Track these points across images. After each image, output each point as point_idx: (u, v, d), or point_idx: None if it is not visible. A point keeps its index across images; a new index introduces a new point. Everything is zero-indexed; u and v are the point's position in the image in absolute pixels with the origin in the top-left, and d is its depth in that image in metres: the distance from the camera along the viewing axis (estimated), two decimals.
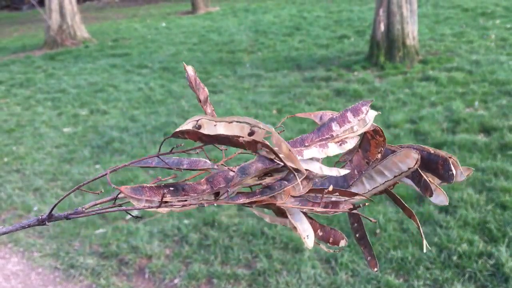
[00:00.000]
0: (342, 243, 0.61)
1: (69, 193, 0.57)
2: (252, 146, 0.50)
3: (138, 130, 4.19)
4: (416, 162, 0.57)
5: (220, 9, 11.70)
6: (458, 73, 4.80)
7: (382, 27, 5.35)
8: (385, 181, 0.58)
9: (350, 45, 6.50)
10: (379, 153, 0.59)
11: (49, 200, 3.19)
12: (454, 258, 2.26)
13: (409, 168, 0.57)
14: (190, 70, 0.59)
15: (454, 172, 0.57)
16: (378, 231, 2.51)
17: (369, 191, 0.58)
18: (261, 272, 2.33)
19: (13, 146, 4.22)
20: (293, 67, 5.79)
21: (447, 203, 0.58)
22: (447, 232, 2.43)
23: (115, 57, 7.46)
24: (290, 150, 0.51)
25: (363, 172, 0.59)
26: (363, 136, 0.59)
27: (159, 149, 0.57)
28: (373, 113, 0.57)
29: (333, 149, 0.54)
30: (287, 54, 6.41)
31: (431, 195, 0.57)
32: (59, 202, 0.59)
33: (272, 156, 0.52)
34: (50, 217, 0.58)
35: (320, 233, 0.62)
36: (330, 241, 0.61)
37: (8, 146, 4.22)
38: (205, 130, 0.50)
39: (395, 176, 0.58)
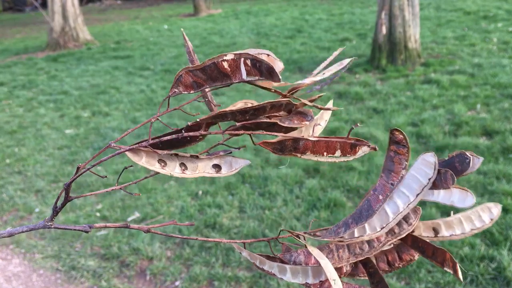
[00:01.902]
0: None
1: (73, 178, 0.57)
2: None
3: (140, 132, 4.19)
4: (434, 168, 0.50)
5: (222, 12, 11.73)
6: (460, 76, 4.80)
7: (384, 30, 5.35)
8: (408, 204, 0.51)
9: (352, 48, 6.50)
10: (403, 169, 0.53)
11: (51, 201, 3.19)
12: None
13: (429, 179, 0.51)
14: (189, 42, 0.60)
15: (470, 158, 0.51)
16: None
17: (391, 221, 0.52)
18: (263, 275, 2.33)
19: (15, 148, 4.23)
20: (295, 70, 5.80)
21: (474, 201, 0.53)
22: None
23: (117, 59, 7.48)
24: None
25: (388, 195, 0.53)
26: (386, 153, 0.56)
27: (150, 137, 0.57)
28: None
29: None
30: (289, 57, 6.41)
31: (452, 183, 0.51)
32: (63, 204, 0.59)
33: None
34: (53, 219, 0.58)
35: None
36: None
37: (10, 148, 4.23)
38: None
39: (417, 195, 0.51)
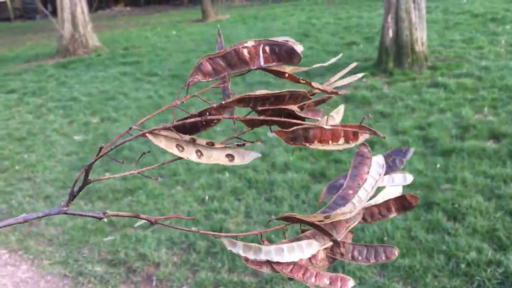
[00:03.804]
0: (350, 283, 0.61)
1: (94, 161, 0.59)
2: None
3: (147, 138, 4.22)
4: (383, 166, 0.63)
5: (230, 17, 11.78)
6: (467, 79, 4.77)
7: (390, 33, 5.34)
8: (367, 195, 0.61)
9: (359, 51, 6.49)
10: (366, 174, 0.63)
11: None
12: (463, 266, 2.24)
13: (379, 175, 0.62)
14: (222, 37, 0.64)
15: (405, 149, 0.68)
16: (385, 238, 2.50)
17: (359, 205, 0.62)
18: (268, 280, 2.33)
19: (24, 154, 4.28)
20: (302, 74, 5.79)
21: (412, 178, 0.66)
22: (455, 239, 2.41)
23: (126, 65, 7.54)
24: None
25: (356, 191, 0.62)
26: (353, 162, 0.64)
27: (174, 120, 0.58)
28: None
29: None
30: None
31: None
32: (81, 188, 0.60)
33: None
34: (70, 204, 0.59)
35: (328, 282, 0.62)
36: (339, 286, 0.62)
37: (20, 154, 4.28)
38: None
39: (372, 187, 0.62)
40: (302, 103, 0.60)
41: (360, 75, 0.68)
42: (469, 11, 8.05)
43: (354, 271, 2.29)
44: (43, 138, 4.65)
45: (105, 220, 3.00)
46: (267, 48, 0.55)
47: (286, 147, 3.75)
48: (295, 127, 0.57)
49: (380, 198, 0.66)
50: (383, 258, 0.64)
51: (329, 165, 3.36)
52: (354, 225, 0.61)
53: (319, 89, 0.59)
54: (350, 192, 0.62)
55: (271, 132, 0.60)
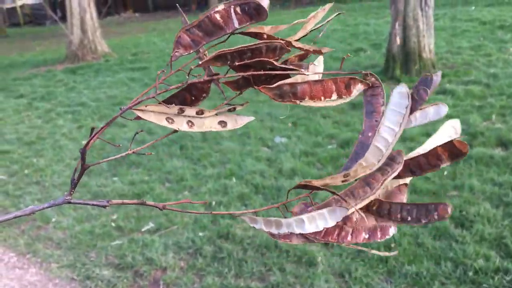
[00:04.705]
0: (392, 231, 0.56)
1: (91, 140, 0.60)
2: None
3: (155, 143, 4.25)
4: (408, 96, 0.57)
5: None
6: (475, 86, 4.76)
7: (398, 40, 5.35)
8: (395, 135, 0.56)
9: (366, 58, 6.50)
10: (382, 105, 0.58)
11: (67, 211, 3.24)
12: (470, 273, 2.23)
13: (406, 107, 0.56)
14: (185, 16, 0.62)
15: (430, 76, 0.58)
16: (393, 245, 2.49)
17: (386, 152, 0.56)
18: (275, 285, 2.33)
19: (33, 158, 4.31)
20: None
21: (447, 109, 0.58)
22: (463, 247, 2.41)
23: (134, 71, 7.59)
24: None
25: (376, 131, 0.58)
26: (364, 99, 0.59)
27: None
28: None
29: None
30: None
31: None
32: (80, 174, 0.61)
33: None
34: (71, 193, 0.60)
35: (366, 236, 0.57)
36: (379, 236, 0.56)
37: (29, 158, 4.32)
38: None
39: (400, 125, 0.57)
40: (284, 60, 0.59)
41: (328, 6, 0.64)
42: (477, 18, 8.04)
43: (361, 278, 2.29)
44: (52, 143, 4.68)
45: (113, 224, 3.02)
46: (238, 9, 0.55)
47: (293, 152, 3.76)
48: (280, 82, 0.55)
49: (428, 147, 0.57)
50: (436, 217, 0.56)
51: (336, 171, 3.35)
52: (392, 176, 0.54)
53: (301, 48, 0.58)
54: (370, 134, 0.56)
55: (254, 87, 0.59)
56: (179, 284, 2.43)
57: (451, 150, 0.56)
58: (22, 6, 19.49)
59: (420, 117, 0.58)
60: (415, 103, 0.58)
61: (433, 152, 0.56)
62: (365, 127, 0.57)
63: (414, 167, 0.57)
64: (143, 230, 2.92)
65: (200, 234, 2.80)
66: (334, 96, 0.56)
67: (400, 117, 0.56)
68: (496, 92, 4.52)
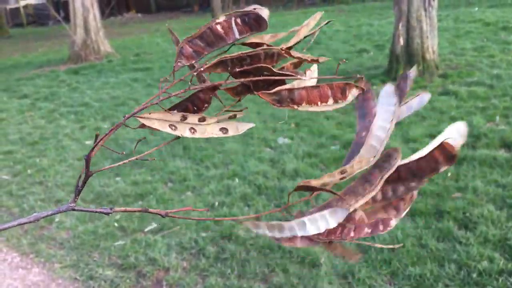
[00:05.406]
0: (393, 222, 0.57)
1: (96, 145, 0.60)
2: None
3: (158, 143, 4.25)
4: (395, 94, 0.59)
5: None
6: (478, 87, 4.75)
7: (401, 41, 5.34)
8: (388, 130, 0.59)
9: (369, 59, 6.49)
10: (374, 107, 0.61)
11: (70, 212, 3.24)
12: (474, 275, 2.23)
13: (395, 104, 0.59)
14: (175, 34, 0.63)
15: (408, 72, 0.62)
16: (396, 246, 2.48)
17: (380, 148, 0.58)
18: (278, 286, 2.33)
19: (36, 158, 4.32)
20: None
21: (429, 95, 0.62)
22: (466, 249, 2.40)
23: (137, 71, 7.60)
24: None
25: (369, 129, 0.60)
26: (356, 104, 0.62)
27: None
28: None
29: None
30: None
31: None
32: (84, 181, 0.61)
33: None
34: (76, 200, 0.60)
35: (369, 230, 0.58)
36: (381, 229, 0.57)
37: (32, 158, 4.33)
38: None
39: (391, 121, 0.59)
40: (280, 67, 0.60)
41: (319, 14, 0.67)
42: (480, 19, 8.03)
43: (364, 279, 2.28)
44: (55, 143, 4.69)
45: (116, 225, 3.02)
46: (238, 20, 0.57)
47: (296, 153, 3.76)
48: (278, 88, 0.57)
49: (426, 150, 0.59)
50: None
51: None
52: (390, 171, 0.56)
53: (299, 58, 0.60)
54: (363, 133, 0.59)
55: (254, 93, 0.60)
56: (182, 285, 2.43)
57: (444, 152, 0.57)
58: (25, 7, 19.54)
59: (407, 110, 0.62)
60: (399, 98, 0.62)
61: (430, 155, 0.58)
62: (359, 128, 0.60)
63: (416, 171, 0.58)
64: (146, 230, 2.92)
65: (203, 234, 2.79)
66: (331, 101, 0.58)
67: (390, 114, 0.59)
68: (499, 93, 4.51)
